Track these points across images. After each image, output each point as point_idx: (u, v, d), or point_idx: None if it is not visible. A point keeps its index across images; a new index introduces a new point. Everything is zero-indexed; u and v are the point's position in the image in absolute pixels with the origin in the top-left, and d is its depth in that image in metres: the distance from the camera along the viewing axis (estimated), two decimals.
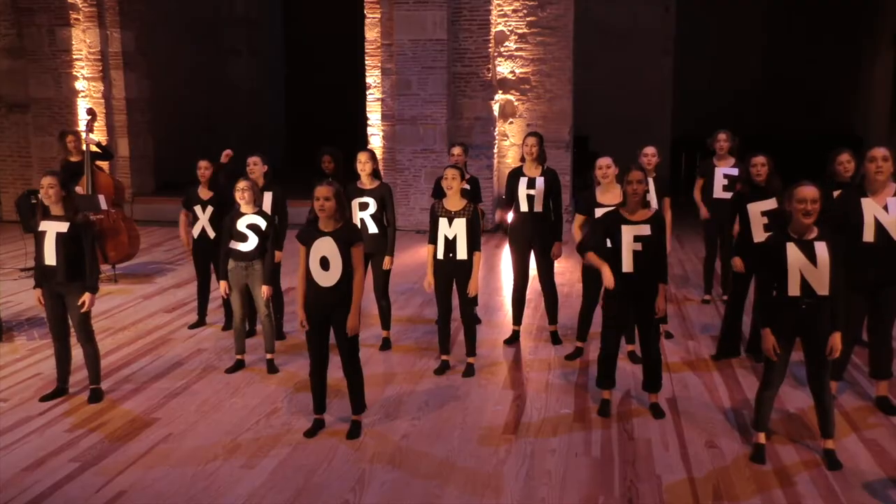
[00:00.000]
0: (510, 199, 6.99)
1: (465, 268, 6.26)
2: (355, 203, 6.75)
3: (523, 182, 6.87)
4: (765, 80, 19.23)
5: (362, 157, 6.82)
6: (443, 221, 6.23)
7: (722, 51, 18.98)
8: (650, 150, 7.54)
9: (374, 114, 13.58)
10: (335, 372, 5.58)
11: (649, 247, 5.39)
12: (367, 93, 13.60)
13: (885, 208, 5.35)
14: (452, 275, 6.31)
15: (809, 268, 4.62)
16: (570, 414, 5.66)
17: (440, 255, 6.27)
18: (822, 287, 4.64)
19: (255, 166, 7.14)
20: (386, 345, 7.10)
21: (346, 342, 5.17)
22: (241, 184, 6.38)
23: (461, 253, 6.22)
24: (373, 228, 6.82)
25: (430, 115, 12.95)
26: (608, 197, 6.27)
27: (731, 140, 8.18)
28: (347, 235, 5.11)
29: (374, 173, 6.87)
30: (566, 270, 9.72)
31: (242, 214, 6.40)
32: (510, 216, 7.10)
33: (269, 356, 6.57)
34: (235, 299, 6.49)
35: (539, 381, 6.30)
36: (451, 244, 6.22)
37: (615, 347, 5.63)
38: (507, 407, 5.79)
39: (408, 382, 6.28)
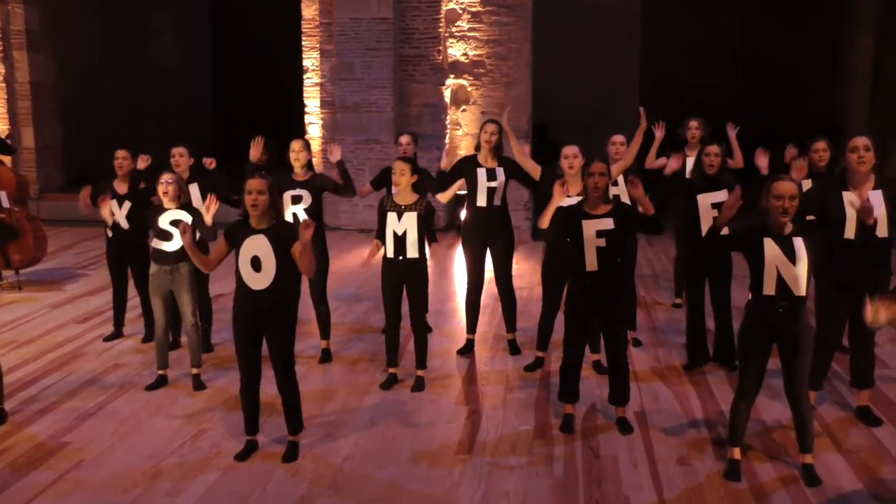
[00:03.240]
0: (445, 182, 6.91)
1: (418, 268, 6.27)
2: (287, 196, 6.71)
3: (482, 174, 6.89)
4: (738, 64, 19.56)
5: (296, 145, 6.81)
6: (391, 216, 6.22)
7: (692, 32, 19.26)
8: (619, 138, 7.59)
9: (312, 100, 13.50)
10: (269, 388, 5.53)
11: (614, 242, 5.44)
12: (305, 77, 13.52)
13: (868, 202, 5.44)
14: (403, 277, 6.30)
15: (786, 265, 4.73)
16: (529, 430, 5.68)
17: (390, 254, 6.26)
18: (798, 287, 4.75)
19: (182, 158, 7.11)
20: (326, 357, 7.06)
21: (281, 353, 5.13)
22: (165, 177, 6.30)
23: (412, 251, 6.22)
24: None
25: (375, 101, 12.92)
26: (574, 191, 6.31)
27: (704, 128, 8.30)
28: (284, 233, 5.07)
29: (309, 164, 6.85)
30: (525, 272, 9.77)
31: (165, 210, 6.31)
32: (463, 213, 7.11)
33: (195, 371, 6.48)
34: (158, 307, 6.40)
35: (496, 395, 6.32)
36: (400, 241, 6.21)
37: (578, 357, 5.67)
38: (461, 424, 5.79)
39: (351, 398, 6.25)
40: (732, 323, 6.48)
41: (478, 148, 6.99)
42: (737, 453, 5.03)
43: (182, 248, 6.27)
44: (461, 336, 7.48)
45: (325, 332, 7.10)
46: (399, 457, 5.28)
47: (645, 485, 4.91)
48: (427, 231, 6.29)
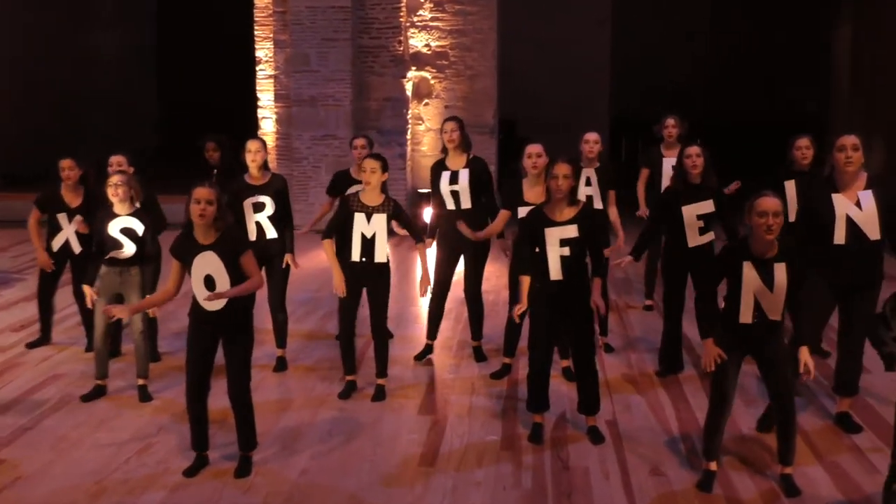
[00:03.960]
0: (435, 199, 7.02)
1: (383, 273, 6.27)
2: (248, 203, 6.68)
3: (445, 177, 6.90)
4: (714, 53, 19.72)
5: (253, 146, 6.74)
6: (359, 217, 6.20)
7: (666, 21, 19.43)
8: (592, 136, 7.53)
9: (265, 93, 13.44)
10: (221, 399, 5.50)
11: (579, 250, 5.47)
12: (257, 69, 13.45)
13: (858, 204, 5.49)
14: (365, 281, 6.29)
15: (765, 293, 4.75)
16: (496, 441, 5.70)
17: (355, 257, 6.24)
18: (775, 312, 4.80)
19: (121, 167, 6.90)
20: (281, 365, 7.03)
21: (238, 371, 5.12)
22: (115, 178, 6.22)
23: (379, 255, 6.22)
24: (271, 233, 6.78)
25: (332, 95, 12.89)
26: (536, 192, 6.31)
27: (681, 125, 8.32)
28: (232, 246, 5.03)
29: (265, 165, 6.81)
30: (491, 275, 9.79)
31: (115, 216, 6.23)
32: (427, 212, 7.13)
33: (140, 382, 6.42)
34: (101, 311, 6.31)
35: (461, 405, 6.33)
36: (368, 244, 6.20)
37: (545, 364, 5.69)
38: (424, 435, 5.80)
39: (307, 409, 6.23)
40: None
41: (444, 150, 6.99)
42: (713, 465, 5.07)
43: (135, 255, 6.22)
44: (424, 342, 7.47)
45: (281, 340, 7.06)
46: (358, 471, 5.26)
47: (617, 496, 4.95)
48: (409, 230, 6.33)
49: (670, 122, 8.31)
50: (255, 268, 5.09)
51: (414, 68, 13.50)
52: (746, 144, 17.09)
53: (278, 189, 6.80)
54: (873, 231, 5.49)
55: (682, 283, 6.67)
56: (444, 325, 8.06)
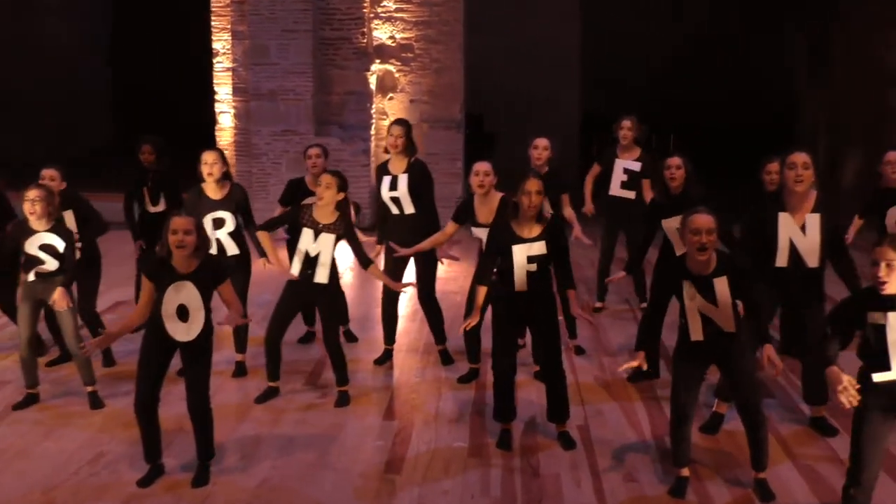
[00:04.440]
0: (378, 206, 7.03)
1: (327, 293, 6.28)
2: (208, 219, 6.64)
3: (385, 182, 6.93)
4: (690, 45, 19.83)
5: (209, 157, 6.66)
6: (307, 234, 6.19)
7: (638, 13, 19.53)
8: (542, 142, 7.50)
9: (223, 87, 13.35)
10: (177, 406, 5.45)
11: (545, 265, 5.51)
12: (215, 61, 13.35)
13: (803, 228, 5.54)
14: (306, 299, 6.33)
15: (710, 309, 4.81)
16: (464, 448, 5.70)
17: (295, 271, 6.24)
18: (727, 325, 4.85)
19: (53, 182, 6.66)
20: (240, 370, 7.00)
21: (197, 377, 5.09)
22: (31, 193, 6.03)
23: (321, 275, 6.21)
24: (232, 249, 6.76)
25: (293, 88, 12.83)
26: (485, 213, 6.35)
27: (637, 128, 8.33)
28: (212, 278, 5.01)
29: (225, 175, 6.75)
30: (459, 275, 9.80)
31: (33, 232, 6.12)
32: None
33: (89, 388, 6.36)
34: (24, 317, 6.21)
35: (427, 410, 6.33)
36: (311, 262, 6.20)
37: (509, 373, 5.71)
38: (390, 442, 5.79)
39: (268, 416, 6.20)
40: None
41: (387, 150, 7.01)
42: (685, 471, 5.11)
43: (58, 269, 6.13)
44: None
45: (241, 345, 7.03)
46: (321, 480, 5.24)
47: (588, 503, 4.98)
48: (357, 254, 6.27)
49: (626, 123, 8.31)
50: (233, 296, 5.12)
51: (378, 61, 13.47)
52: (720, 141, 17.29)
53: (238, 202, 6.78)
54: (813, 259, 5.56)
55: (668, 294, 6.72)
56: (410, 328, 8.07)
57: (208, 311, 5.04)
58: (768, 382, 6.57)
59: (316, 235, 6.17)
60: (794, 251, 5.54)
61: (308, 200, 6.92)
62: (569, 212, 7.43)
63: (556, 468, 5.40)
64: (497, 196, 6.27)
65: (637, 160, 8.32)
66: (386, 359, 7.28)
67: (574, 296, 5.67)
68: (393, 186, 6.90)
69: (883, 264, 4.01)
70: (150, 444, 5.22)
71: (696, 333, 4.85)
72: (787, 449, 5.64)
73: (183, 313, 4.98)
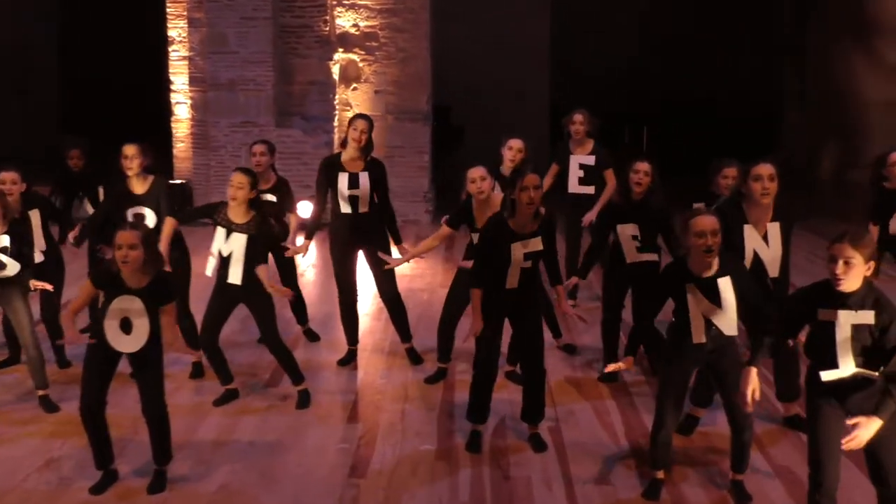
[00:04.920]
0: (321, 199, 6.97)
1: (248, 294, 6.24)
2: (128, 215, 6.64)
3: (343, 180, 6.86)
4: (665, 36, 19.89)
5: (129, 150, 6.64)
6: (220, 233, 6.19)
7: (611, 3, 19.58)
8: (516, 143, 7.45)
9: (179, 76, 13.27)
10: (131, 408, 5.41)
11: (539, 261, 5.55)
12: (170, 50, 13.26)
13: (765, 238, 5.58)
14: (236, 299, 6.32)
15: (714, 311, 4.82)
16: (432, 451, 5.70)
17: (208, 272, 6.29)
18: (730, 328, 4.87)
19: (14, 185, 6.63)
20: (197, 371, 6.96)
21: (149, 381, 5.05)
22: None
23: (234, 276, 6.19)
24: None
25: (253, 78, 12.78)
26: (485, 218, 6.30)
27: (590, 122, 8.35)
28: (161, 297, 4.95)
29: (147, 169, 6.72)
30: (426, 272, 9.81)
31: None
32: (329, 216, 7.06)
33: (41, 392, 6.31)
34: None
35: (393, 412, 6.33)
36: (225, 262, 6.20)
37: (493, 373, 5.73)
38: (354, 445, 5.78)
39: (226, 419, 6.17)
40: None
41: (344, 144, 6.95)
42: (660, 474, 5.14)
43: (17, 275, 6.07)
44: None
45: (193, 345, 6.97)
46: (282, 485, 5.22)
47: None
48: (253, 254, 6.18)
49: (578, 118, 8.33)
50: (171, 322, 5.03)
51: (341, 50, 13.43)
52: (696, 135, 17.40)
53: (160, 195, 6.74)
54: (774, 269, 5.60)
55: (622, 295, 6.80)
56: (375, 327, 8.06)
57: (155, 323, 4.98)
58: None
59: (228, 235, 6.16)
60: (756, 262, 5.56)
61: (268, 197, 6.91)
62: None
63: (526, 471, 5.41)
64: (498, 198, 6.11)
65: (591, 153, 8.36)
66: (350, 359, 7.27)
67: (563, 292, 5.72)
68: (353, 184, 6.85)
69: (841, 262, 4.00)
70: (99, 449, 5.17)
71: (699, 336, 4.86)
72: (763, 449, 5.68)
73: (126, 326, 4.94)
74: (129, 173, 6.65)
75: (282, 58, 13.04)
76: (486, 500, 5.07)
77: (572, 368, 7.20)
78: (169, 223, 6.39)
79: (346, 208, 6.90)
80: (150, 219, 6.68)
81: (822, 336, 4.15)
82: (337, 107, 13.42)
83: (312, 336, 7.82)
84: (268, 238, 6.31)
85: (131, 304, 4.93)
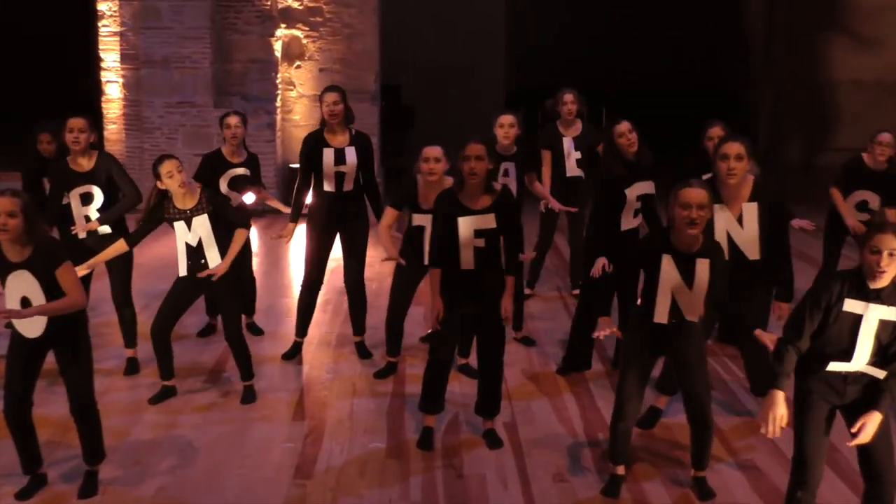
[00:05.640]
0: (306, 176, 6.94)
1: (224, 279, 6.21)
2: (76, 194, 6.55)
3: (329, 155, 6.84)
4: (626, 11, 20.01)
5: (75, 124, 6.52)
6: (180, 227, 6.15)
7: None
8: (507, 118, 7.38)
9: (109, 53, 13.09)
10: (59, 406, 5.35)
11: (495, 240, 5.52)
12: (100, 25, 13.07)
13: (740, 220, 5.61)
14: (203, 290, 6.30)
15: (683, 290, 4.85)
16: (382, 449, 5.71)
17: (183, 272, 6.24)
18: (692, 312, 4.91)
19: None
20: (132, 367, 6.91)
21: (76, 376, 4.98)
22: None
23: (214, 258, 6.17)
24: (104, 228, 6.63)
25: (189, 55, 12.66)
26: (431, 199, 6.32)
27: (580, 101, 8.39)
28: (47, 263, 4.79)
29: (93, 146, 6.64)
30: (374, 261, 9.78)
31: None
32: (309, 196, 7.02)
33: None
34: None
35: (341, 408, 6.33)
36: (196, 253, 6.16)
37: (449, 361, 5.74)
38: (300, 443, 5.77)
39: (164, 416, 6.14)
40: None
41: (323, 122, 6.92)
42: (620, 469, 5.20)
43: None
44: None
45: (130, 339, 6.93)
46: (223, 487, 5.21)
47: None
48: (233, 219, 6.19)
49: (568, 97, 8.37)
50: (72, 283, 4.86)
51: (284, 26, 13.35)
52: (656, 113, 17.55)
53: (108, 172, 6.64)
54: (753, 251, 5.63)
55: (642, 266, 6.75)
56: (321, 319, 8.04)
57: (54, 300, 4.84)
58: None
59: (189, 224, 6.12)
60: (731, 246, 5.57)
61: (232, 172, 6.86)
62: (538, 188, 7.57)
63: (481, 469, 5.44)
64: (448, 182, 6.10)
65: (582, 135, 8.39)
66: (295, 353, 7.25)
67: (511, 285, 5.62)
68: (339, 160, 6.82)
69: (885, 253, 3.97)
70: (25, 452, 5.10)
71: (662, 315, 4.88)
72: (727, 444, 5.77)
73: (26, 305, 4.81)
74: (76, 149, 6.50)
75: (220, 33, 12.93)
76: (439, 500, 5.09)
77: (529, 361, 7.24)
78: (120, 247, 6.25)
79: (329, 186, 6.88)
80: (99, 198, 6.58)
81: (841, 328, 4.12)
82: (280, 86, 13.34)
83: (256, 330, 7.78)
84: (225, 205, 6.26)
85: (23, 281, 4.79)
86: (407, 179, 6.55)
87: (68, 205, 6.59)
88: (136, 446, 5.68)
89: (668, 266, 4.83)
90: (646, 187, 6.56)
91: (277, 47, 13.26)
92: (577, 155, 8.36)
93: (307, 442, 5.79)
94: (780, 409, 4.15)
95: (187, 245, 6.16)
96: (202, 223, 6.12)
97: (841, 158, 8.24)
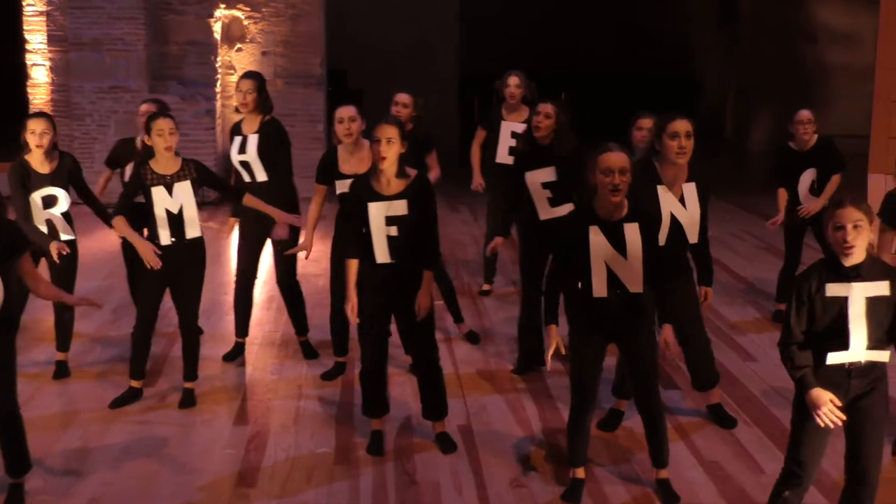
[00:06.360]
0: (226, 171, 6.94)
1: (197, 252, 6.23)
2: (36, 198, 6.49)
3: (235, 144, 6.90)
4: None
5: (37, 125, 6.46)
6: (159, 192, 6.09)
7: None
8: (402, 97, 7.50)
9: (35, 34, 12.94)
10: None
11: (410, 230, 5.49)
12: (24, 4, 12.91)
13: (682, 201, 5.67)
14: (176, 266, 6.20)
15: (618, 260, 4.88)
16: (329, 454, 5.71)
17: (164, 240, 6.14)
18: (634, 283, 4.93)
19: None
20: (62, 371, 6.86)
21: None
22: None
23: (192, 229, 6.16)
24: (67, 233, 6.62)
25: (122, 37, 12.56)
26: (353, 163, 6.37)
27: (527, 86, 8.42)
28: (8, 251, 4.75)
29: (56, 146, 6.61)
30: (322, 256, 9.75)
31: None
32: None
33: None
34: None
35: (286, 411, 6.32)
36: (177, 220, 6.12)
37: (380, 360, 5.72)
38: (242, 450, 5.75)
39: (96, 423, 6.08)
40: None
41: (236, 110, 6.98)
42: (580, 472, 5.22)
43: None
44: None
45: (64, 342, 6.87)
46: (160, 496, 5.18)
47: None
48: (223, 192, 6.48)
49: (513, 80, 8.38)
50: (32, 271, 4.93)
51: (223, 6, 13.26)
52: (608, 96, 17.67)
53: (71, 173, 6.64)
54: (693, 234, 5.72)
55: (541, 262, 6.83)
56: (265, 317, 8.02)
57: (8, 287, 4.77)
58: (669, 370, 6.77)
59: (170, 190, 6.09)
60: (674, 226, 5.63)
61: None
62: (435, 173, 7.54)
63: (434, 474, 5.44)
64: (366, 144, 6.17)
65: (526, 122, 8.40)
66: (237, 354, 7.23)
67: (429, 279, 5.59)
68: (242, 149, 6.84)
69: (850, 226, 4.01)
70: None
71: (600, 288, 4.89)
72: (691, 444, 5.82)
73: None
74: (38, 151, 6.45)
75: (154, 14, 12.82)
76: None
77: (484, 359, 7.27)
78: (119, 222, 6.17)
79: (245, 177, 6.91)
80: (63, 202, 6.55)
81: (830, 316, 4.14)
82: (219, 70, 13.25)
83: (198, 330, 7.72)
84: (211, 173, 6.28)
85: None
86: (327, 150, 6.61)
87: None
88: (65, 455, 5.63)
89: (596, 237, 4.87)
90: (546, 174, 6.60)
91: (217, 28, 13.18)
92: (513, 143, 8.38)
93: (250, 448, 5.77)
94: (823, 404, 4.10)
95: (168, 212, 6.09)
96: (185, 190, 6.10)
97: None
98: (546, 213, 6.64)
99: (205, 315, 7.94)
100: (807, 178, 7.78)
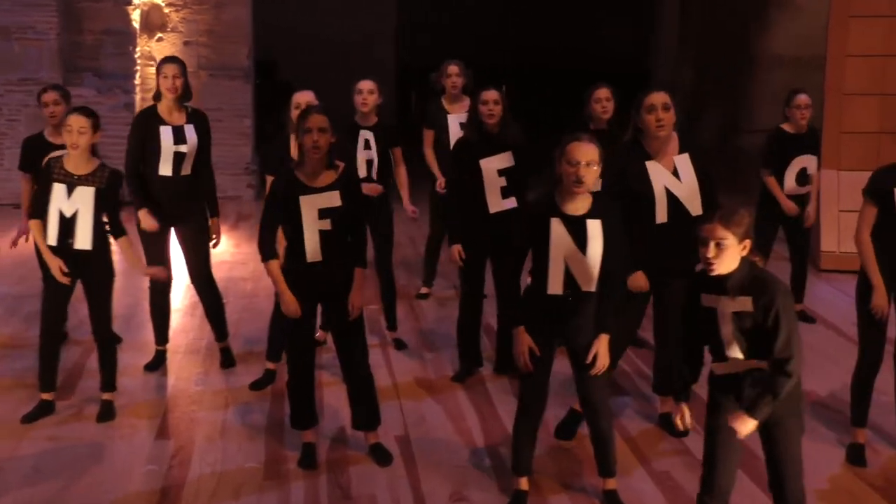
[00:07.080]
0: (138, 160, 6.86)
1: (93, 264, 6.15)
2: None
3: (167, 134, 6.80)
4: None
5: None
6: (59, 189, 6.03)
7: None
8: (366, 84, 7.55)
9: None
10: None
11: (342, 223, 5.49)
12: None
13: (676, 173, 5.76)
14: (74, 273, 6.14)
15: (576, 256, 4.92)
16: (258, 469, 5.68)
17: (52, 241, 6.08)
18: (587, 281, 4.98)
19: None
20: None
21: None
22: None
23: (82, 240, 6.08)
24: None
25: (33, 25, 12.47)
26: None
27: (465, 75, 8.46)
28: None
29: None
30: (251, 258, 9.73)
31: None
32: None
33: None
34: None
35: (212, 424, 6.29)
36: (68, 224, 6.05)
37: (307, 368, 5.72)
38: (165, 465, 5.71)
39: (6, 440, 6.01)
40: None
41: (157, 97, 6.88)
42: (524, 483, 5.24)
43: None
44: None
45: None
46: None
47: None
48: (110, 218, 6.14)
49: (453, 69, 8.43)
50: None
51: None
52: (554, 90, 17.82)
53: None
54: (694, 207, 5.73)
55: (482, 261, 6.85)
56: (188, 324, 7.97)
57: None
58: (617, 375, 6.82)
59: (70, 190, 6.02)
60: (672, 201, 5.70)
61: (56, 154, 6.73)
62: (402, 173, 7.58)
63: (370, 488, 5.44)
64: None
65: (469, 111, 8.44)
66: (159, 363, 7.19)
67: (360, 277, 5.60)
68: (179, 139, 6.77)
69: (712, 244, 4.13)
70: None
71: (556, 285, 4.93)
72: (639, 452, 5.87)
73: None
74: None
75: (68, 1, 12.69)
76: None
77: (422, 366, 7.28)
78: (35, 225, 6.13)
79: (166, 170, 6.81)
80: None
81: (710, 326, 4.28)
82: (138, 61, 13.15)
83: (116, 338, 7.66)
84: (116, 191, 6.16)
85: None
86: (279, 138, 6.61)
87: None
88: None
89: (557, 229, 4.91)
90: (504, 160, 6.66)
91: (135, 17, 13.08)
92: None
93: (173, 464, 5.73)
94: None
95: (60, 214, 6.04)
96: (85, 196, 6.03)
97: (760, 139, 8.53)
98: (496, 205, 6.67)
99: (125, 322, 7.92)
100: (797, 164, 8.01)
